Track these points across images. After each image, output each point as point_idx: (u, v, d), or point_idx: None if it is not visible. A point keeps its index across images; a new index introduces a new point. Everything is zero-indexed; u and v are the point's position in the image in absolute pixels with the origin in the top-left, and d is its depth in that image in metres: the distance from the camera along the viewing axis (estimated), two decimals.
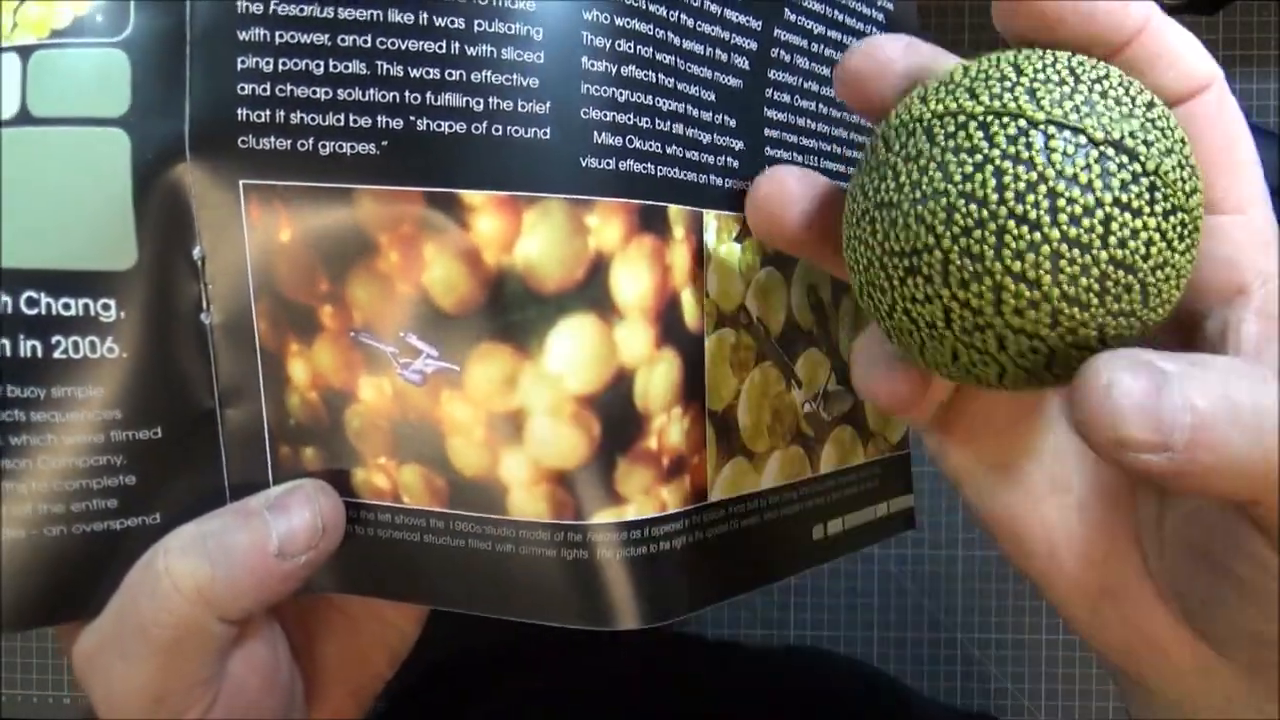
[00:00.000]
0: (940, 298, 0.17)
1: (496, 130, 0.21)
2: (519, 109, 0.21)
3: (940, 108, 0.17)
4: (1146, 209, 0.16)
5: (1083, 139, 0.16)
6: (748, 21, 0.24)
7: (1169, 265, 0.16)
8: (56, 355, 0.20)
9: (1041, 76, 0.17)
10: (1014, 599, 0.53)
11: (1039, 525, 0.21)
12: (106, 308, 0.21)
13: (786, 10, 0.25)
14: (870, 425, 0.30)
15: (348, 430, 0.23)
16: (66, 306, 0.20)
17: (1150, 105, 0.17)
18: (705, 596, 0.24)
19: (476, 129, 0.21)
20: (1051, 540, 0.21)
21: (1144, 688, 0.22)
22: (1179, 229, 0.16)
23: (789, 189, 0.21)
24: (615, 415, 0.22)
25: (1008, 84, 0.17)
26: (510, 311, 0.21)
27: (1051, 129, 0.16)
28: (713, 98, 0.24)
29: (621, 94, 0.21)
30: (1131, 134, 0.16)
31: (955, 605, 0.53)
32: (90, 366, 0.21)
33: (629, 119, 0.22)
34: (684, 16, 0.23)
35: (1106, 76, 0.17)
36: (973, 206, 0.16)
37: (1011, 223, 0.16)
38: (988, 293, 0.16)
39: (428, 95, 0.20)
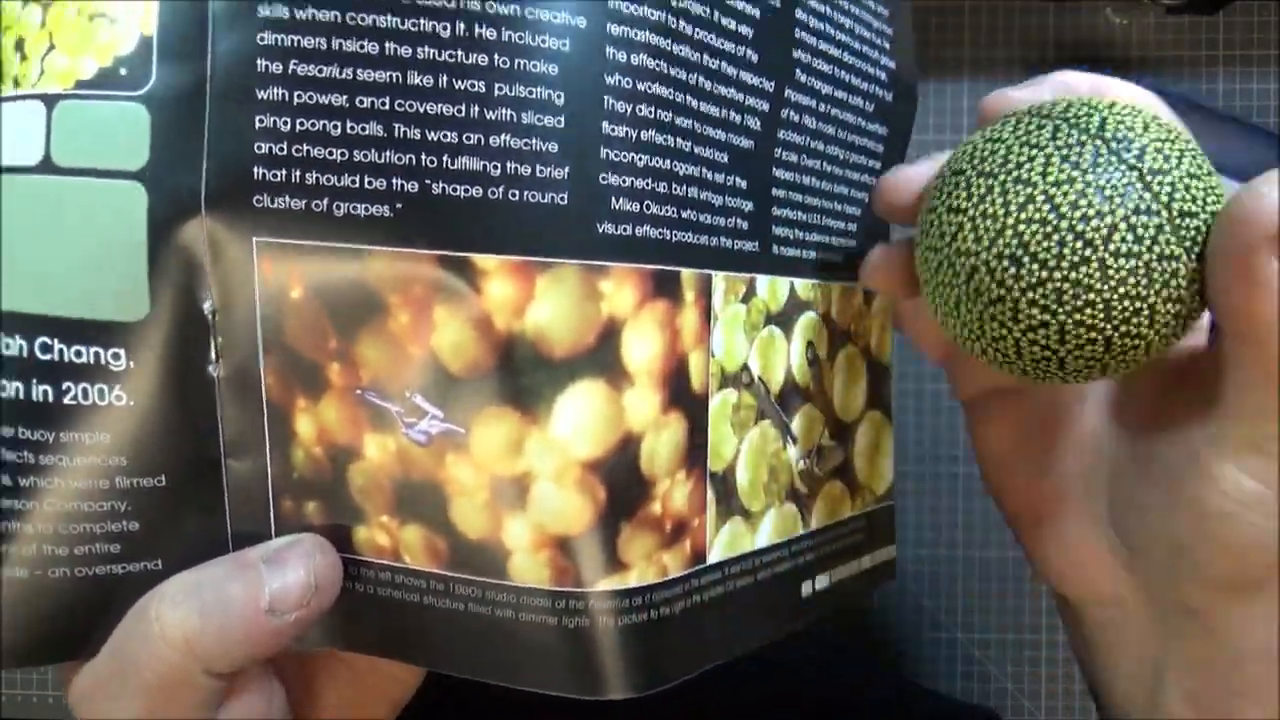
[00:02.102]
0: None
1: (513, 195, 0.20)
2: (537, 173, 0.21)
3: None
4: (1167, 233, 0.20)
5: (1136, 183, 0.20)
6: (760, 83, 0.25)
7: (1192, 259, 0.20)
8: (66, 401, 0.21)
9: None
10: (1014, 599, 0.53)
11: (994, 440, 0.27)
12: (117, 357, 0.21)
13: (797, 71, 0.26)
14: (859, 478, 0.30)
15: (351, 486, 0.22)
16: (78, 354, 0.21)
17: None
18: (698, 661, 0.24)
19: (493, 193, 0.20)
20: (1004, 455, 0.26)
21: (1074, 610, 0.26)
22: (1195, 236, 0.20)
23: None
24: (621, 481, 0.22)
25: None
26: (519, 376, 0.21)
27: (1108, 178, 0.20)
28: (725, 159, 0.24)
29: (641, 159, 0.22)
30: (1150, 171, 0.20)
31: (955, 605, 0.53)
32: (98, 413, 0.21)
33: (647, 184, 0.22)
34: (702, 79, 0.23)
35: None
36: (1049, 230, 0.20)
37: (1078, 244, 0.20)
38: (1052, 295, 0.20)
39: (445, 159, 0.20)
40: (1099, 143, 0.20)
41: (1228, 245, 0.19)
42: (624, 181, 0.21)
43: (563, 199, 0.21)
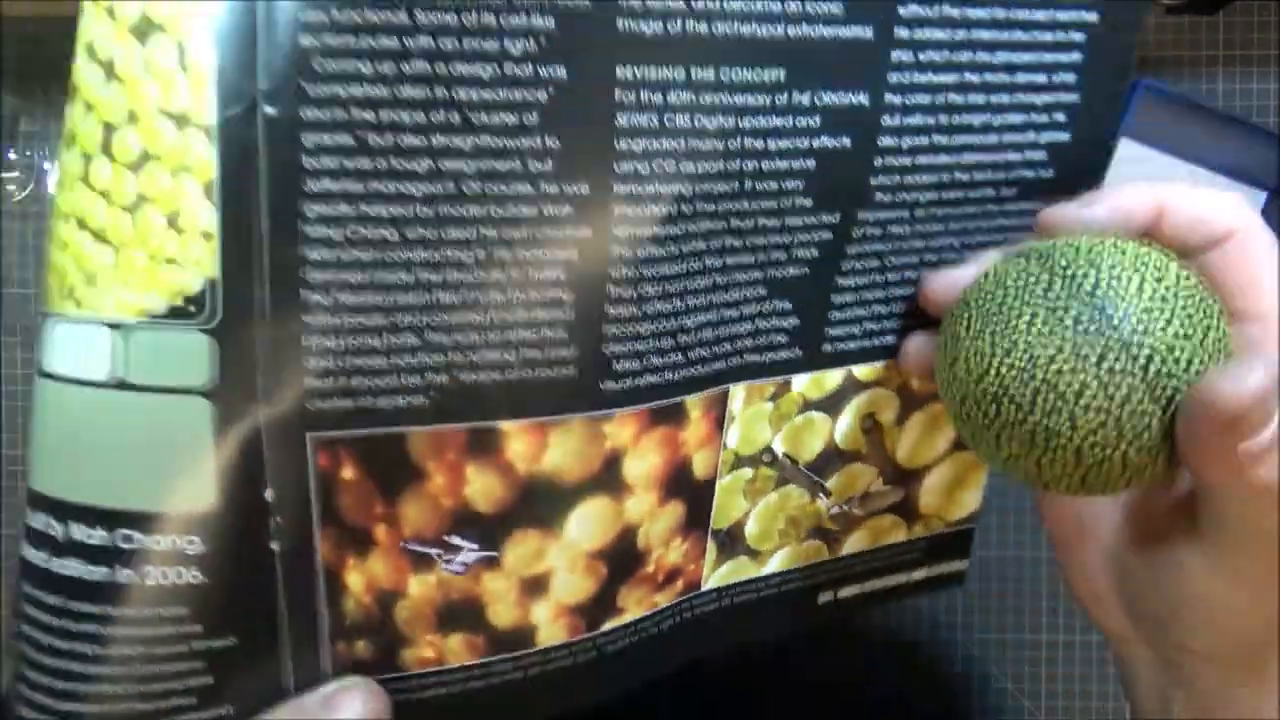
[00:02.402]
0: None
1: (528, 374, 0.25)
2: (548, 356, 0.25)
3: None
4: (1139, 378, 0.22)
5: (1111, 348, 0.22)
6: (823, 219, 0.27)
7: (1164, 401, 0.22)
8: (149, 583, 0.23)
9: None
10: (1014, 599, 0.53)
11: None
12: (191, 542, 0.23)
13: (876, 191, 0.27)
14: (922, 510, 0.34)
15: (397, 620, 0.26)
16: (157, 542, 0.23)
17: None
18: (689, 656, 0.30)
19: (512, 375, 0.24)
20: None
21: (1097, 627, 0.29)
22: (1171, 395, 0.22)
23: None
24: (620, 559, 0.28)
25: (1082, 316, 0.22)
26: (538, 505, 0.26)
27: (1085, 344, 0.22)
28: (763, 292, 0.27)
29: (644, 327, 0.26)
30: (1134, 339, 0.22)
31: (956, 606, 0.53)
32: (178, 591, 0.24)
33: (649, 345, 0.26)
34: (731, 240, 0.26)
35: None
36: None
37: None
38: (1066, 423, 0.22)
39: (470, 355, 0.24)
40: (1087, 304, 0.22)
41: (1193, 429, 0.21)
42: (626, 348, 0.25)
43: (570, 371, 0.25)
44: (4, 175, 0.51)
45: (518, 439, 0.25)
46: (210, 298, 0.22)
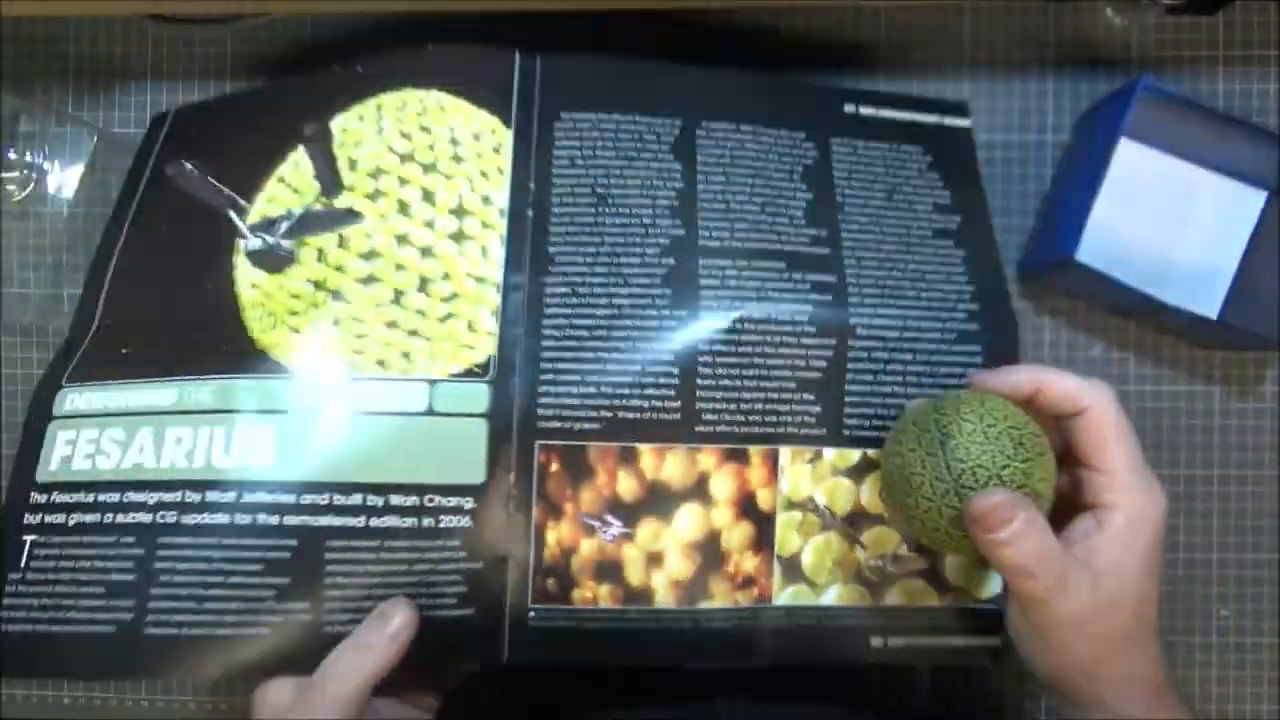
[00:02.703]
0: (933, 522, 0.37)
1: (654, 415, 0.41)
2: (665, 406, 0.41)
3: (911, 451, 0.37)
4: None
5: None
6: (825, 342, 0.42)
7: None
8: (440, 526, 0.39)
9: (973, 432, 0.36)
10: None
11: None
12: (466, 501, 0.39)
13: (857, 329, 0.42)
14: (950, 581, 0.43)
15: (572, 568, 0.40)
16: (448, 501, 0.39)
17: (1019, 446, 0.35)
18: (767, 660, 0.41)
19: (645, 415, 0.41)
20: None
21: None
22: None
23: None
24: (708, 553, 0.41)
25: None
26: (658, 502, 0.41)
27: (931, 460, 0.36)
28: (793, 389, 0.41)
29: (720, 395, 0.41)
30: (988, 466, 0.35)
31: None
32: (454, 531, 0.39)
33: (721, 407, 0.41)
34: (769, 354, 0.41)
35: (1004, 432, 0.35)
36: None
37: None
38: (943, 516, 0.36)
39: (624, 402, 0.41)
40: (937, 445, 0.35)
41: (968, 523, 0.34)
42: (709, 407, 0.41)
43: (677, 417, 0.41)
44: (4, 175, 0.51)
45: (647, 455, 0.41)
46: (490, 366, 0.40)
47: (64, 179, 0.51)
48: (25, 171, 0.51)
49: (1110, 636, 0.34)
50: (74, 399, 0.41)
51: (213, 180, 0.45)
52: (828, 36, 0.53)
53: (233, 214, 0.44)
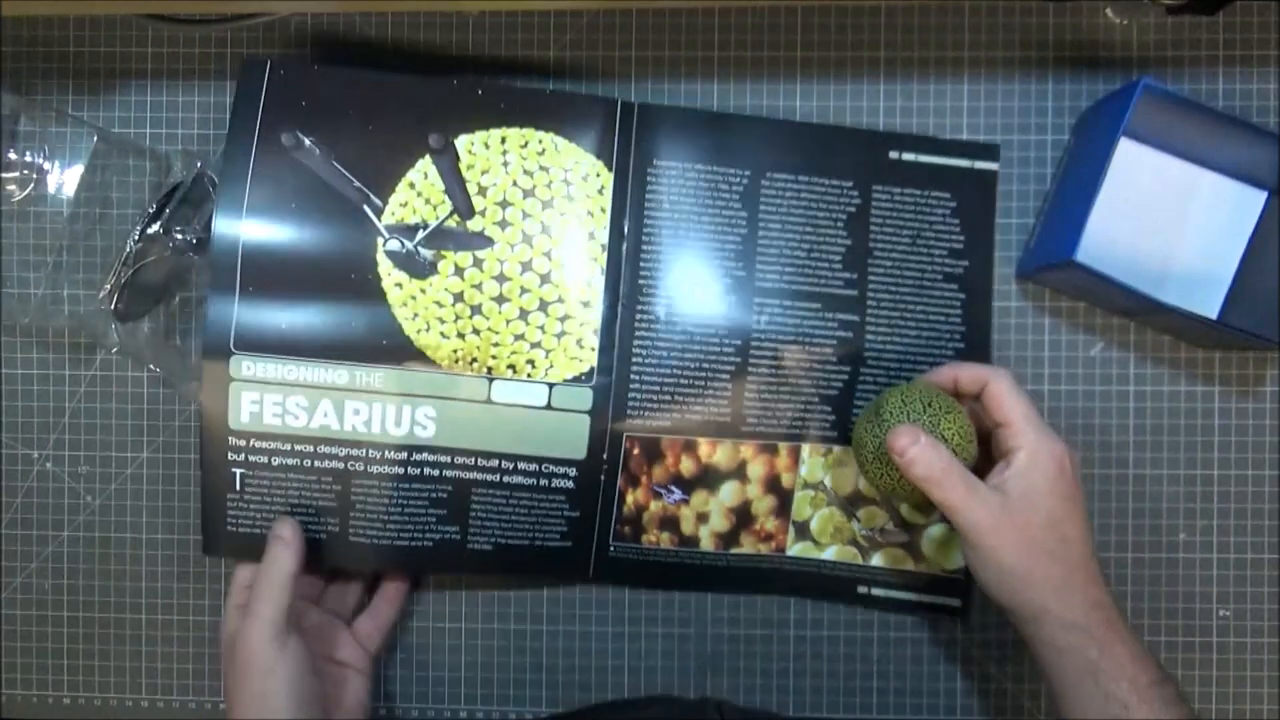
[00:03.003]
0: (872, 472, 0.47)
1: (710, 418, 0.52)
2: (719, 410, 0.52)
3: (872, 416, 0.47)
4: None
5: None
6: (843, 368, 0.52)
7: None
8: (552, 485, 0.51)
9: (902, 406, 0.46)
10: None
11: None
12: (571, 469, 0.51)
13: (867, 359, 0.53)
14: (924, 553, 0.53)
15: (643, 520, 0.52)
16: (558, 469, 0.51)
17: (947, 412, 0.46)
18: (779, 593, 0.54)
19: (705, 418, 0.52)
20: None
21: None
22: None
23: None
24: (742, 516, 0.53)
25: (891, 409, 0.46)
26: (709, 479, 0.52)
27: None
28: (816, 400, 0.52)
29: (759, 403, 0.52)
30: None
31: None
32: (562, 490, 0.51)
33: (761, 413, 0.52)
34: (799, 372, 0.52)
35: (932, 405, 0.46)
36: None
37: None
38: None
39: (689, 405, 0.52)
40: (874, 416, 0.46)
41: (893, 459, 0.44)
42: (752, 413, 0.52)
43: (727, 419, 0.52)
44: (4, 175, 0.51)
45: (703, 445, 0.52)
46: (593, 374, 0.51)
47: (64, 179, 0.51)
48: (25, 171, 0.51)
49: (1032, 547, 0.42)
50: (249, 366, 0.49)
51: (339, 166, 0.50)
52: (828, 37, 0.54)
53: (368, 210, 0.50)
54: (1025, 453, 0.43)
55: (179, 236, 0.52)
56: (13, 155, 0.51)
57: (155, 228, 0.51)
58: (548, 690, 0.54)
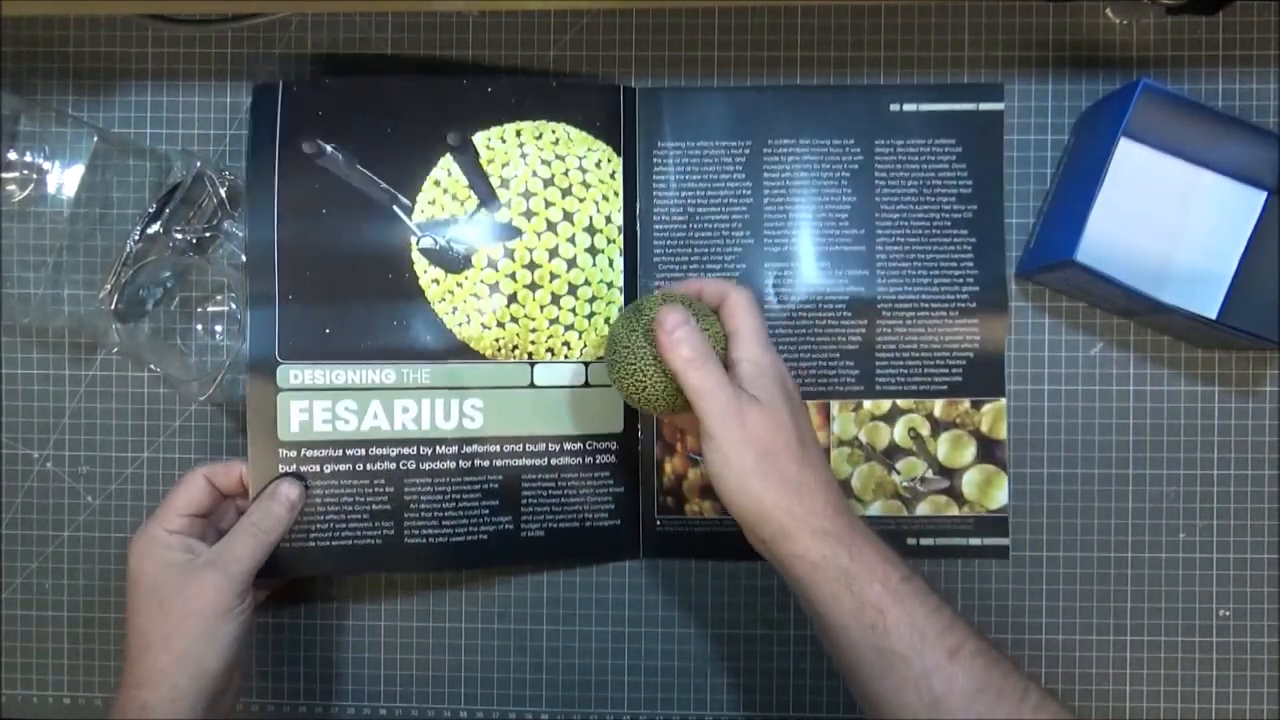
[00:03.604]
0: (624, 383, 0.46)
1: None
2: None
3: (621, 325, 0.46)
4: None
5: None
6: (859, 322, 0.53)
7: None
8: (597, 462, 0.53)
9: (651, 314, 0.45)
10: (1013, 599, 0.53)
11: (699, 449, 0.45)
12: (613, 443, 0.53)
13: (881, 310, 0.53)
14: (966, 496, 0.54)
15: (683, 488, 0.54)
16: (600, 445, 0.53)
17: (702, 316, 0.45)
18: None
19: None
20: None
21: None
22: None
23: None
24: None
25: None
26: None
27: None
28: (837, 356, 0.53)
29: (784, 358, 0.48)
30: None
31: (955, 606, 0.53)
32: (605, 465, 0.53)
33: (790, 368, 0.47)
34: (818, 330, 0.54)
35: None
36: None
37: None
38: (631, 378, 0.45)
39: None
40: (635, 312, 0.46)
41: (658, 336, 0.43)
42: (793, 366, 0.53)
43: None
44: (4, 175, 0.51)
45: None
46: None
47: (64, 179, 0.51)
48: (25, 171, 0.51)
49: (775, 445, 0.42)
50: (296, 374, 0.50)
51: (364, 169, 0.51)
52: (828, 37, 0.54)
53: (399, 210, 0.51)
54: (750, 363, 0.43)
55: (179, 236, 0.52)
56: (13, 155, 0.51)
57: (155, 228, 0.51)
58: (548, 690, 0.54)
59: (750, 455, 0.41)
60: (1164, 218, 0.52)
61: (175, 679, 0.44)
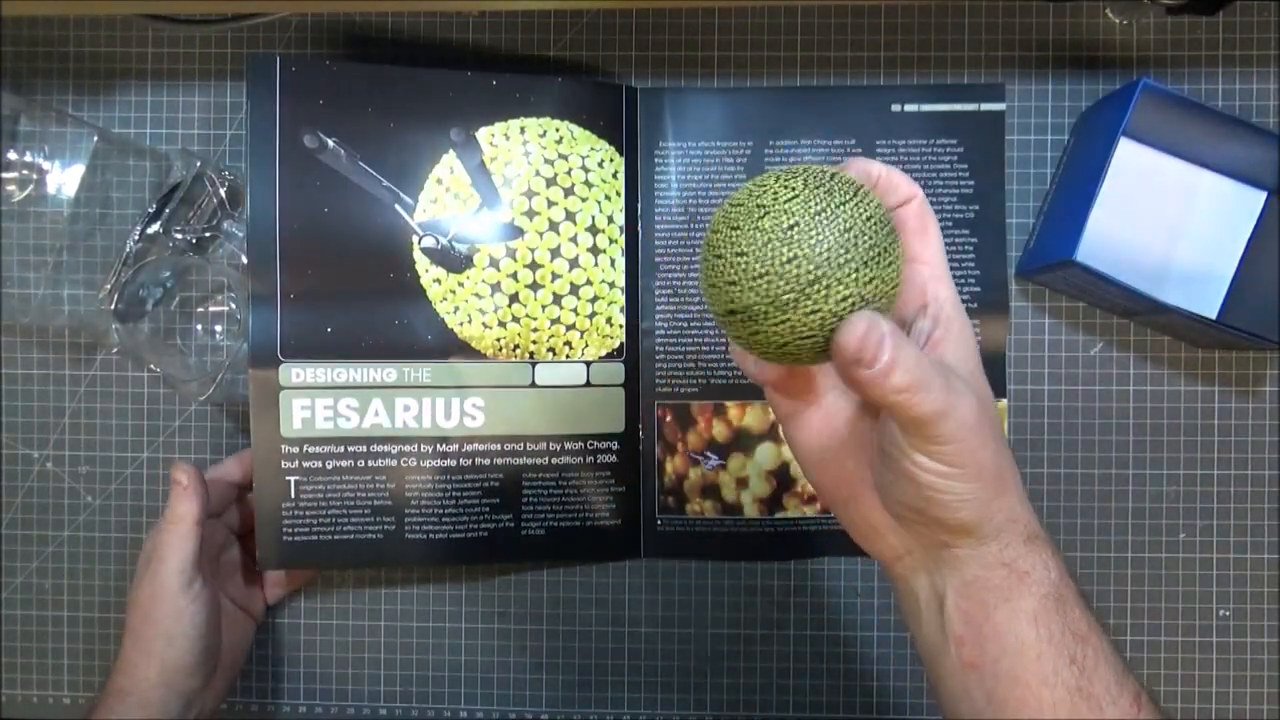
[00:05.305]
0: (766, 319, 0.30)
1: (737, 382, 0.54)
2: (741, 374, 0.52)
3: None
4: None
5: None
6: None
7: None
8: (598, 462, 0.53)
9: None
10: None
11: (814, 451, 0.35)
12: (613, 443, 0.53)
13: None
14: None
15: (684, 488, 0.54)
16: (602, 444, 0.53)
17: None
18: (828, 554, 0.55)
19: (730, 381, 0.54)
20: (812, 455, 0.35)
21: (888, 570, 0.36)
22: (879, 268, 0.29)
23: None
24: (781, 480, 0.54)
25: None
26: (743, 442, 0.54)
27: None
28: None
29: None
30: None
31: None
32: (606, 465, 0.53)
33: None
34: None
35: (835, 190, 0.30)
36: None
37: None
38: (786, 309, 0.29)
39: (713, 371, 0.54)
40: (758, 216, 0.29)
41: (840, 368, 0.29)
42: None
43: (751, 381, 0.46)
44: (4, 175, 0.51)
45: (733, 409, 0.54)
46: (622, 350, 0.53)
47: (64, 179, 0.51)
48: (25, 171, 0.51)
49: (997, 436, 0.32)
50: (298, 372, 0.50)
51: (366, 166, 0.50)
52: (828, 37, 0.54)
53: (400, 209, 0.51)
54: (947, 316, 0.32)
55: (179, 236, 0.52)
56: (13, 155, 0.51)
57: (155, 228, 0.51)
58: (548, 690, 0.54)
59: (987, 458, 0.31)
60: (1164, 218, 0.52)
61: (143, 670, 0.46)
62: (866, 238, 0.29)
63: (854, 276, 0.28)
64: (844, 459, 0.35)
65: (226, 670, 0.50)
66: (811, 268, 0.28)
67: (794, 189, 0.29)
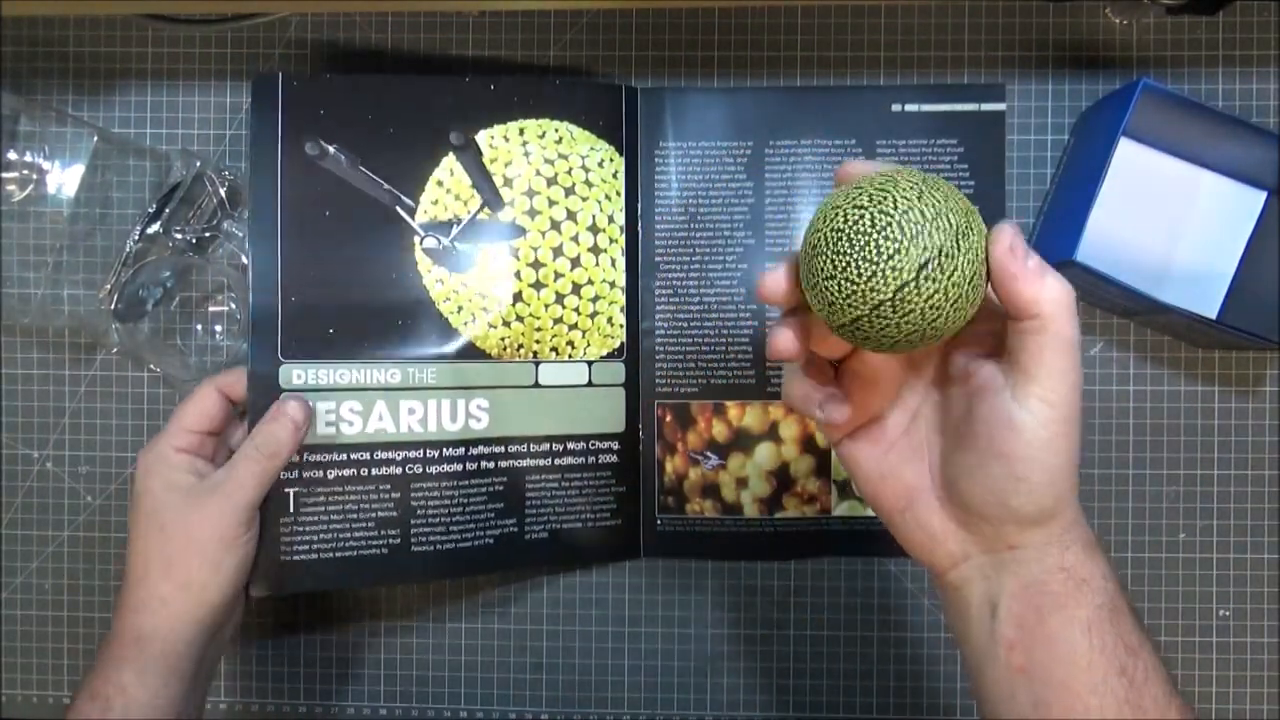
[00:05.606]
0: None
1: (736, 381, 0.54)
2: (743, 374, 0.54)
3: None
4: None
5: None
6: None
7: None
8: (599, 462, 0.53)
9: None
10: None
11: (876, 468, 0.36)
12: (614, 444, 0.54)
13: None
14: None
15: (684, 489, 0.54)
16: (602, 444, 0.54)
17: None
18: (830, 554, 0.55)
19: (730, 381, 0.54)
20: (869, 471, 0.37)
21: (939, 580, 0.36)
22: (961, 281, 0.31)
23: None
24: (781, 479, 0.54)
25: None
26: (742, 442, 0.54)
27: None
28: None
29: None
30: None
31: None
32: (607, 465, 0.54)
33: None
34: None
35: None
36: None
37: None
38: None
39: (713, 371, 0.54)
40: (884, 195, 0.31)
41: (997, 264, 0.30)
42: (775, 374, 0.53)
43: (752, 380, 0.54)
44: (4, 175, 0.51)
45: (733, 409, 0.54)
46: (623, 350, 0.53)
47: (64, 179, 0.51)
48: (25, 171, 0.51)
49: (1071, 420, 0.31)
50: (299, 373, 0.49)
51: (366, 171, 0.50)
52: (828, 37, 0.54)
53: (401, 211, 0.51)
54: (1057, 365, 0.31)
55: (179, 236, 0.52)
56: (13, 155, 0.51)
57: (155, 228, 0.51)
58: (548, 690, 0.54)
59: (1076, 433, 0.31)
60: (1164, 218, 0.52)
61: (175, 607, 0.43)
62: (959, 214, 0.31)
63: (955, 246, 0.30)
64: (902, 469, 0.36)
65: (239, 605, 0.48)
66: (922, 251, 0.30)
67: (904, 195, 0.31)
